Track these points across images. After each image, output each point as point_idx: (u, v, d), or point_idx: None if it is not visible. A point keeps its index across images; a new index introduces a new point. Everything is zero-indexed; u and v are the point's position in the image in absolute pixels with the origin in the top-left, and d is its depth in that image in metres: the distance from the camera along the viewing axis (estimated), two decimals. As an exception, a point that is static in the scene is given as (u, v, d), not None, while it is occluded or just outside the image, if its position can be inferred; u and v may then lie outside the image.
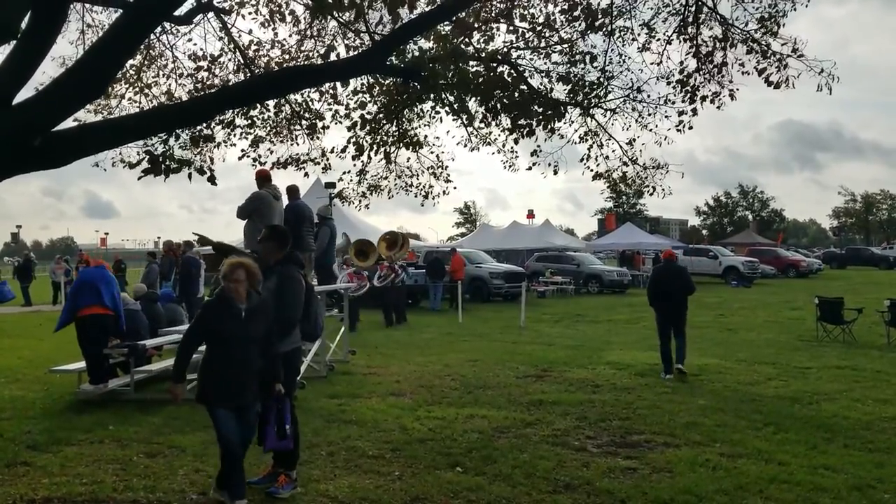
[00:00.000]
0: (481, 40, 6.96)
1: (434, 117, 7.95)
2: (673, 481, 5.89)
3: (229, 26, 7.90)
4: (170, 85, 8.60)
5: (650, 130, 8.25)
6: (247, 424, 5.34)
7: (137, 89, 8.35)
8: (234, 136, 8.27)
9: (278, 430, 5.37)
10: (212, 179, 5.36)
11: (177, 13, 7.02)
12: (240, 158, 8.56)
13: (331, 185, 10.16)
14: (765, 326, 17.50)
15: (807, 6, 7.56)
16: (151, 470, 6.23)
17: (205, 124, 7.36)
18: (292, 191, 10.89)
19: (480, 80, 6.28)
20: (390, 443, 7.05)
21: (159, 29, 8.18)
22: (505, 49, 7.28)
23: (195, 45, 11.69)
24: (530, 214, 46.25)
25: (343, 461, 6.48)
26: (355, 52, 7.04)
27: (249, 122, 8.18)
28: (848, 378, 10.42)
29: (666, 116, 8.10)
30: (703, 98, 7.79)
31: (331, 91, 7.93)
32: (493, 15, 6.77)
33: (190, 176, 5.01)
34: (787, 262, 43.70)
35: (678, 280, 11.09)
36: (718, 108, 7.78)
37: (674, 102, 7.97)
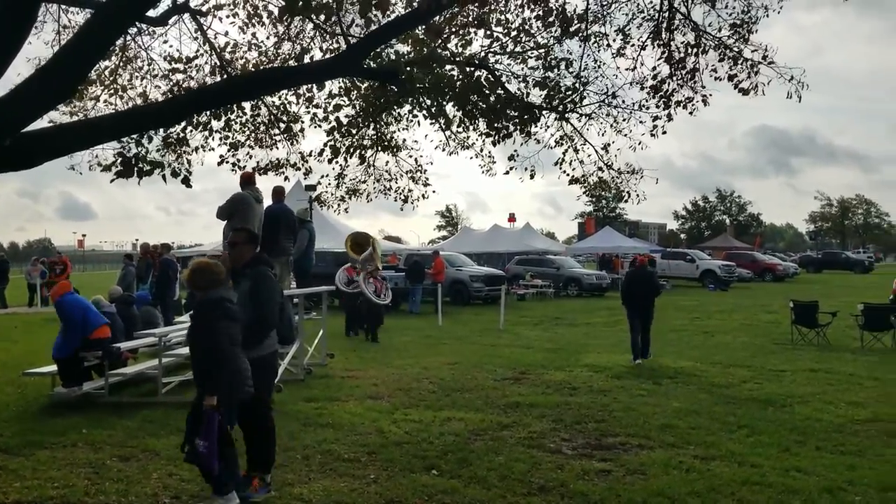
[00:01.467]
0: (458, 45, 7.01)
1: (412, 121, 7.97)
2: (646, 483, 5.93)
3: (205, 28, 7.86)
4: (146, 87, 8.55)
5: (625, 136, 8.33)
6: None
7: (112, 91, 8.27)
8: (213, 140, 8.23)
9: (188, 446, 5.11)
10: (186, 181, 5.33)
11: (152, 14, 6.98)
12: (219, 164, 8.51)
13: (311, 187, 10.14)
14: (740, 329, 17.67)
15: (779, 12, 7.66)
16: (124, 474, 6.18)
17: (180, 127, 7.30)
18: (277, 193, 10.84)
19: (457, 84, 6.30)
20: (366, 446, 7.04)
21: (134, 30, 8.13)
22: (482, 54, 7.32)
23: (171, 46, 11.58)
24: (511, 218, 46.39)
25: (318, 464, 6.46)
26: (330, 55, 7.04)
27: (224, 124, 8.11)
28: (821, 381, 10.54)
29: (640, 122, 8.18)
30: (678, 103, 7.86)
31: (308, 94, 7.91)
32: (470, 20, 6.79)
33: (164, 178, 4.97)
34: (764, 265, 44.26)
35: (647, 284, 12.82)
36: (691, 113, 7.86)
37: (648, 108, 8.06)
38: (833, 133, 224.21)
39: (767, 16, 7.57)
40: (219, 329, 5.13)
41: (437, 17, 5.44)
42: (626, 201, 9.45)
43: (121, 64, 8.35)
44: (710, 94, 7.79)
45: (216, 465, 5.15)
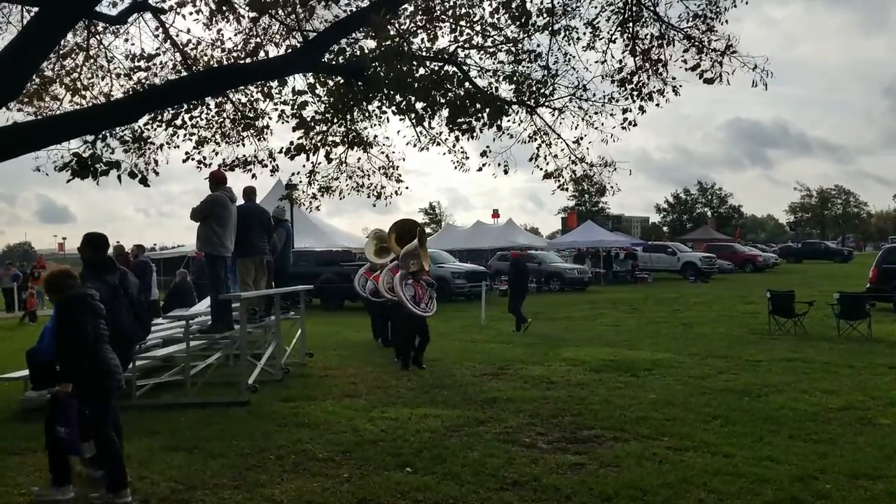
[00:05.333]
0: (426, 39, 6.97)
1: (381, 117, 7.92)
2: (619, 476, 5.93)
3: (167, 25, 7.76)
4: (110, 85, 8.43)
5: (596, 129, 8.32)
6: None
7: (74, 91, 8.15)
8: (178, 137, 8.14)
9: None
10: (144, 181, 5.25)
11: (111, 13, 6.89)
12: (184, 161, 8.42)
13: (292, 186, 10.10)
14: (719, 321, 17.77)
15: (747, 3, 7.67)
16: (94, 478, 6.11)
17: (138, 125, 7.21)
18: (247, 192, 10.78)
19: (421, 80, 6.26)
20: (341, 445, 7.00)
21: (95, 28, 8.02)
22: (451, 48, 7.28)
23: (133, 45, 11.38)
24: (495, 214, 46.54)
25: (291, 464, 6.41)
26: (290, 51, 6.98)
27: (183, 122, 8.01)
28: (797, 370, 10.60)
29: (611, 115, 8.17)
30: (649, 95, 7.85)
31: (275, 90, 7.83)
32: (434, 14, 6.74)
33: (119, 178, 4.90)
34: (744, 257, 44.65)
35: (526, 272, 19.14)
36: (658, 105, 7.84)
37: (618, 101, 8.05)
38: (807, 125, 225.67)
39: (735, 6, 7.60)
40: (83, 322, 5.44)
41: (385, 13, 5.35)
42: (601, 195, 9.47)
43: (83, 63, 8.24)
44: (681, 85, 7.79)
45: (81, 449, 5.44)
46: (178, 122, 7.88)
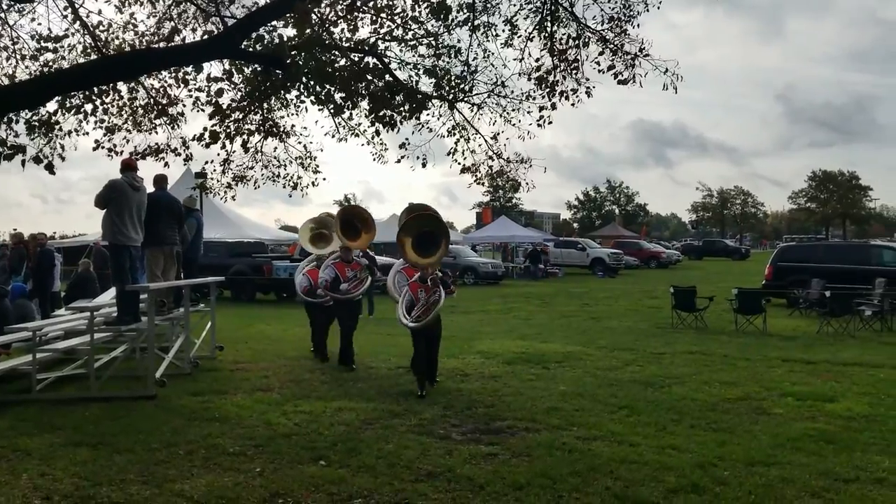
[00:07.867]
0: (346, 30, 6.93)
1: (299, 106, 7.83)
2: (530, 465, 6.08)
3: (77, 6, 7.43)
4: (14, 67, 8.01)
5: (514, 125, 8.48)
6: None
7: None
8: (87, 123, 7.82)
9: None
10: (49, 168, 5.03)
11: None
12: (94, 149, 8.10)
13: (201, 174, 9.79)
14: (626, 315, 18.37)
15: (659, 7, 7.98)
16: None
17: (46, 110, 6.90)
18: (158, 180, 10.44)
19: (342, 70, 6.22)
20: (253, 439, 6.89)
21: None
22: (372, 40, 7.26)
23: (40, 25, 10.77)
24: (409, 207, 46.42)
25: (202, 459, 6.28)
26: (207, 36, 6.82)
27: (95, 107, 7.71)
28: (698, 362, 11.09)
29: (528, 112, 8.34)
30: (562, 94, 8.06)
31: (190, 76, 7.62)
32: (357, 4, 6.71)
33: (23, 163, 4.68)
34: (649, 253, 46.45)
35: None
36: (574, 104, 8.06)
37: (535, 98, 8.23)
38: (705, 127, 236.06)
39: (647, 9, 7.88)
40: None
41: (309, 1, 5.30)
42: (517, 190, 9.66)
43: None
44: (594, 87, 8.03)
45: None
46: (89, 108, 7.56)
